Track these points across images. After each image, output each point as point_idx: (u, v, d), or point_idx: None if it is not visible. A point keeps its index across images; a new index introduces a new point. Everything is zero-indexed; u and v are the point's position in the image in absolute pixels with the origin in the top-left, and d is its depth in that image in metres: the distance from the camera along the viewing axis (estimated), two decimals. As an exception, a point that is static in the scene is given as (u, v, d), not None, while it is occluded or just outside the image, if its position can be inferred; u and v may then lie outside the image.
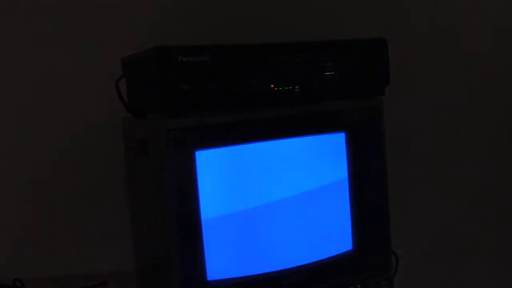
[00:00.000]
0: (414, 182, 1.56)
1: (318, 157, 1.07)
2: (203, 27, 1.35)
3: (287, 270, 1.05)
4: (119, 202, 1.31)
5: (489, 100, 1.60)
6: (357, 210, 1.10)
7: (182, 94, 0.93)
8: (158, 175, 0.96)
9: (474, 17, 1.57)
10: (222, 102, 0.97)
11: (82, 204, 1.29)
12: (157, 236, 1.02)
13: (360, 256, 1.11)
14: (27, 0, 1.25)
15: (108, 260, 1.31)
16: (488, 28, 1.58)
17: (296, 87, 1.02)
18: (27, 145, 1.26)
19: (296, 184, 1.05)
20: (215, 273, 0.99)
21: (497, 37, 1.59)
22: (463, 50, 1.56)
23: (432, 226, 1.59)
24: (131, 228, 1.28)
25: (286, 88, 1.01)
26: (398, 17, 1.51)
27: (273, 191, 1.03)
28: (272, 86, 1.00)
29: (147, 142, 1.00)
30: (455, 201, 1.61)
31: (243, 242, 1.02)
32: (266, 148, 1.03)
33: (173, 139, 0.94)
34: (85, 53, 1.27)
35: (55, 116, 1.27)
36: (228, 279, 1.01)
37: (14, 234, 1.26)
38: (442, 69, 1.55)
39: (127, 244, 1.27)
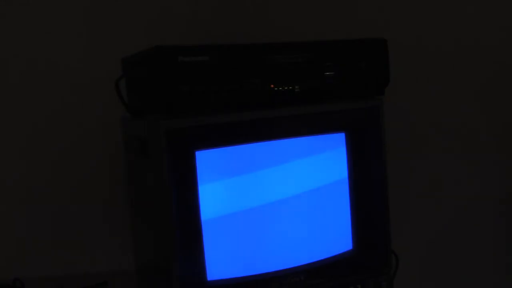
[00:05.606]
0: (414, 182, 1.55)
1: (318, 157, 1.07)
2: (203, 27, 1.35)
3: (287, 270, 1.05)
4: (119, 202, 1.30)
5: (489, 99, 1.60)
6: (357, 210, 1.10)
7: (182, 94, 0.93)
8: (158, 175, 0.96)
9: (475, 16, 1.57)
10: (222, 102, 0.96)
11: (82, 204, 1.29)
12: (157, 236, 1.02)
13: (360, 256, 1.11)
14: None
15: (108, 260, 1.31)
16: (489, 27, 1.57)
17: (296, 87, 1.02)
18: (27, 145, 1.26)
19: (296, 184, 1.05)
20: (215, 273, 0.99)
21: (497, 37, 1.59)
22: (463, 50, 1.56)
23: (432, 226, 1.59)
24: (131, 228, 1.28)
25: (286, 88, 1.01)
26: (398, 17, 1.51)
27: (273, 191, 1.03)
28: (272, 86, 1.00)
29: (147, 142, 1.00)
30: (455, 201, 1.61)
31: (242, 242, 1.02)
32: (266, 148, 1.03)
33: (173, 139, 0.93)
34: (85, 53, 1.27)
35: (55, 115, 1.27)
36: (228, 279, 1.01)
37: (14, 234, 1.26)
38: (442, 68, 1.55)
39: (127, 244, 1.27)
